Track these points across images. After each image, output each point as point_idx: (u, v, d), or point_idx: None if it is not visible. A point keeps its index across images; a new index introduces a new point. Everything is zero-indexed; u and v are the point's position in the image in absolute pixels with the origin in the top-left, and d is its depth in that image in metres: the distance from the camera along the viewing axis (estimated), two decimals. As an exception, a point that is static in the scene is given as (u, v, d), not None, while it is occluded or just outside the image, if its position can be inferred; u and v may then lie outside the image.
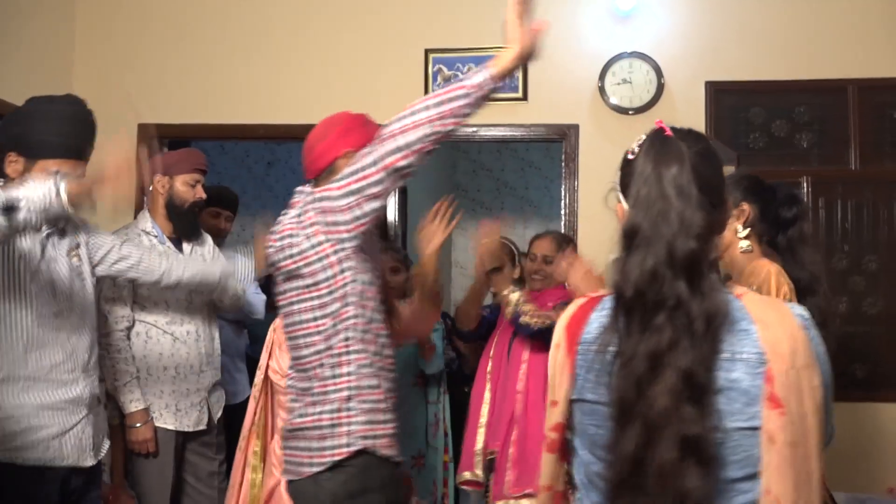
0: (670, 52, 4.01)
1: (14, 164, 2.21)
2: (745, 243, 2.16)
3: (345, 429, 1.91)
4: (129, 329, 2.84)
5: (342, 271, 1.92)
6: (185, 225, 3.00)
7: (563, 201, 4.13)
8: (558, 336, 1.34)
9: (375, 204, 1.88)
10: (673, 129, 1.32)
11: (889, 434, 3.81)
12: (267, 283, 3.03)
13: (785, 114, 4.01)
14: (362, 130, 2.08)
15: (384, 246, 3.44)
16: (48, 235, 2.28)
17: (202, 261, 2.93)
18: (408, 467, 3.21)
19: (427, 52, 4.12)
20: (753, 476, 1.20)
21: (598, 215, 3.96)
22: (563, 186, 4.11)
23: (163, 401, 2.86)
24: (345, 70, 4.19)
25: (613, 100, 4.01)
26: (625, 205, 1.33)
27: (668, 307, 1.18)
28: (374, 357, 1.97)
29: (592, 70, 4.03)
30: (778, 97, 4.00)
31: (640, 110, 3.99)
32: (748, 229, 2.18)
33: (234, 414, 3.14)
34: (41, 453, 2.18)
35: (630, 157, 1.33)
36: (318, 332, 1.94)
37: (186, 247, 3.01)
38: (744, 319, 1.22)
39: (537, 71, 4.08)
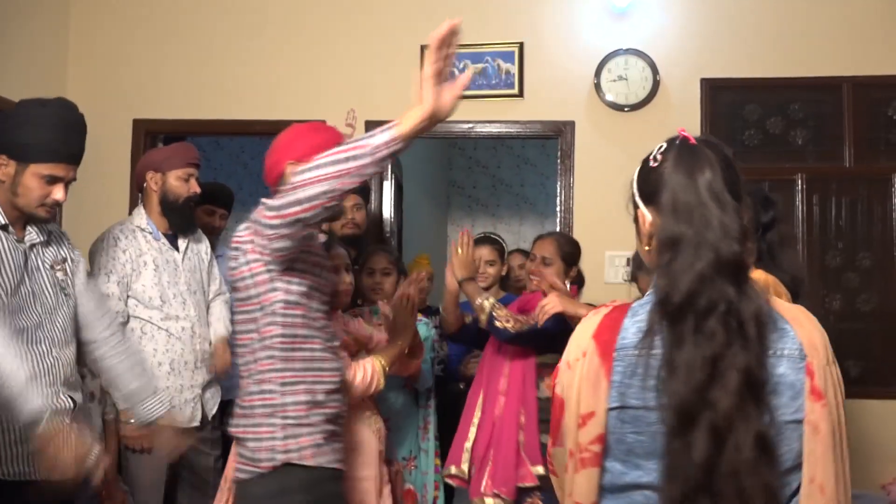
0: (666, 49, 4.01)
1: (5, 167, 2.19)
2: None
3: (266, 444, 1.94)
4: (124, 325, 2.83)
5: (273, 290, 1.93)
6: (179, 220, 2.99)
7: (558, 198, 4.13)
8: (584, 346, 1.32)
9: (286, 243, 1.87)
10: (695, 137, 1.35)
11: (882, 431, 3.83)
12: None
13: (780, 111, 4.02)
14: (307, 138, 2.08)
15: (376, 248, 3.43)
16: (32, 246, 2.25)
17: (144, 373, 2.52)
18: (400, 469, 3.22)
19: (422, 47, 4.11)
20: (793, 469, 1.23)
21: (593, 212, 3.98)
22: (559, 183, 4.12)
23: (157, 397, 2.86)
24: (340, 65, 4.19)
25: (609, 96, 4.01)
26: (646, 212, 1.34)
27: (720, 311, 1.20)
28: (303, 373, 1.97)
29: (588, 67, 4.03)
30: (773, 94, 4.01)
31: (635, 107, 3.99)
32: None
33: (230, 410, 3.13)
34: (20, 467, 2.16)
35: (652, 164, 1.33)
36: (246, 346, 1.98)
37: (182, 242, 3.01)
38: (779, 319, 1.27)
39: (533, 68, 4.08)
